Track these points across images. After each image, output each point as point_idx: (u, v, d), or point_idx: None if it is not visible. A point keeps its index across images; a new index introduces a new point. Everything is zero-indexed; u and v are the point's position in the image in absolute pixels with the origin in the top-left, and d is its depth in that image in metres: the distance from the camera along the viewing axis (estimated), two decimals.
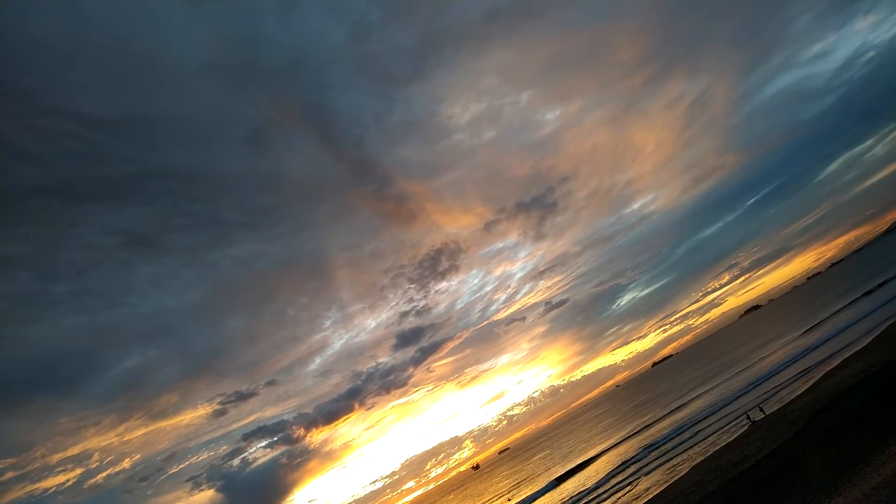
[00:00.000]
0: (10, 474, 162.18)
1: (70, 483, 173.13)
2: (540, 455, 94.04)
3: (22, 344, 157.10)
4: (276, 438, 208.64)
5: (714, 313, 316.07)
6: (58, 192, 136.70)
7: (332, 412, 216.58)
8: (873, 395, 20.80)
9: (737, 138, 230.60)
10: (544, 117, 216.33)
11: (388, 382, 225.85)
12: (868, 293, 62.29)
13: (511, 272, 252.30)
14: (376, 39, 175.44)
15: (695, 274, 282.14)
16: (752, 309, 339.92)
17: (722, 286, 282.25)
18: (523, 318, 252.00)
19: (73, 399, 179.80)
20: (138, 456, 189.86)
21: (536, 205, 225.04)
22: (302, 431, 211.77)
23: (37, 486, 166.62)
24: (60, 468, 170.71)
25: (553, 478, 47.21)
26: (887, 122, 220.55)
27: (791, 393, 31.70)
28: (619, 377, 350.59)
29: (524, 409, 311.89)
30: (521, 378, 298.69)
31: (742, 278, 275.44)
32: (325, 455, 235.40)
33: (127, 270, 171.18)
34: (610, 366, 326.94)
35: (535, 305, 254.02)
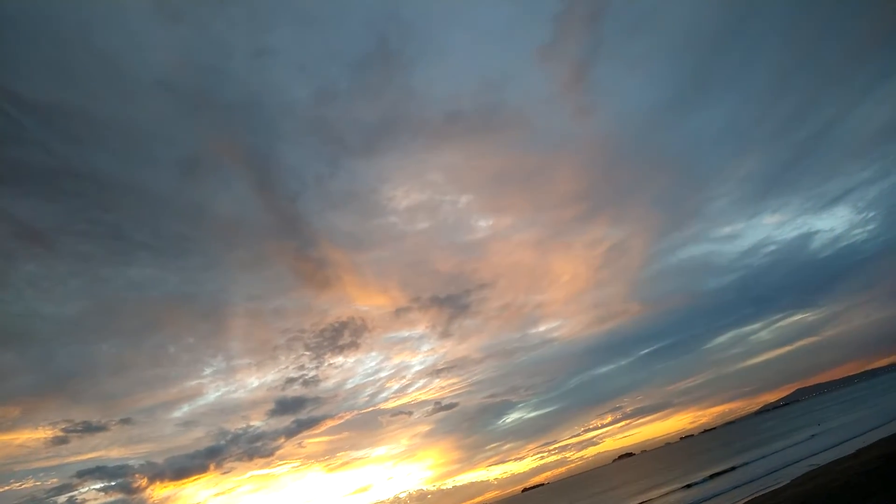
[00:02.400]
0: None
1: None
2: None
3: None
4: (113, 483, 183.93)
5: (591, 451, 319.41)
6: None
7: (184, 468, 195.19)
8: None
9: (643, 290, 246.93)
10: (477, 223, 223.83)
11: (253, 449, 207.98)
12: (731, 469, 64.27)
13: (410, 363, 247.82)
14: (338, 107, 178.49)
15: (581, 408, 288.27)
16: (626, 455, 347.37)
17: (603, 426, 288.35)
18: (410, 413, 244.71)
19: None
20: None
21: (450, 303, 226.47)
22: (144, 482, 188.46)
23: None
24: None
25: None
26: (775, 312, 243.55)
27: None
28: (489, 495, 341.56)
29: None
30: (393, 474, 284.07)
31: (623, 423, 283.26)
32: None
33: (7, 263, 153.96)
34: (482, 482, 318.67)
35: (424, 402, 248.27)
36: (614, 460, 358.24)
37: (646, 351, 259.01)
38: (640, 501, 57.98)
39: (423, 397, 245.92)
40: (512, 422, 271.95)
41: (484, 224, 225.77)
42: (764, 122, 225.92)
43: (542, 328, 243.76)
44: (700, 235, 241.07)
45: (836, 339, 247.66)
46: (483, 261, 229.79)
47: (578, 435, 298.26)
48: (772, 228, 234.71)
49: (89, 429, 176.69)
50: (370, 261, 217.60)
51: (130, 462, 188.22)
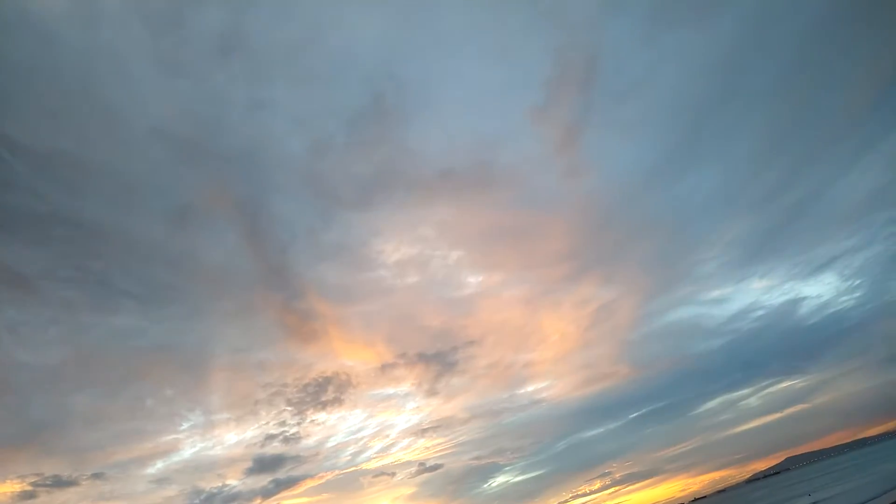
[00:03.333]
0: None
1: None
2: None
3: None
4: None
5: None
6: None
7: None
8: None
9: (632, 352, 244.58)
10: (467, 279, 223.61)
11: None
12: None
13: (394, 422, 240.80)
14: (334, 161, 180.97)
15: (569, 472, 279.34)
16: None
17: (592, 492, 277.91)
18: (393, 474, 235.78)
19: None
20: None
21: (438, 360, 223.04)
22: None
23: None
24: None
25: None
26: (764, 377, 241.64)
27: None
28: None
29: None
30: None
31: (612, 489, 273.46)
32: None
33: None
34: None
35: (408, 463, 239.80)
36: None
37: (635, 414, 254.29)
38: None
39: (407, 458, 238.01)
40: (498, 485, 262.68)
41: (474, 280, 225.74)
42: (751, 187, 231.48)
43: (530, 388, 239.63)
44: (689, 298, 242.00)
45: (825, 406, 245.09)
46: (472, 317, 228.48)
47: (566, 501, 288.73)
48: (760, 293, 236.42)
49: (59, 483, 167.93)
50: (358, 314, 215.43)
51: None
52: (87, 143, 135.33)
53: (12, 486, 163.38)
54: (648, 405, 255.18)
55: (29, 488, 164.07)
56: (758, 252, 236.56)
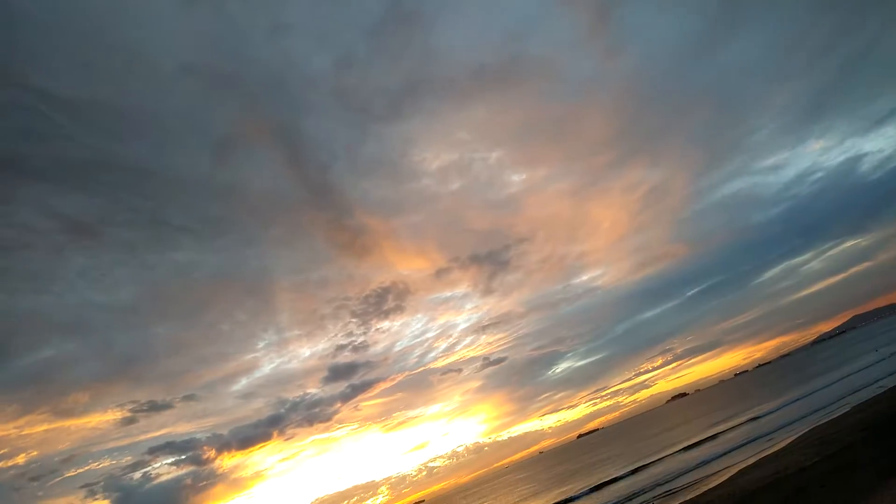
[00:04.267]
0: None
1: None
2: None
3: None
4: (184, 457, 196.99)
5: (643, 394, 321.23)
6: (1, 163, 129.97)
7: (248, 437, 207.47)
8: (783, 499, 21.25)
9: (686, 230, 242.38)
10: (510, 178, 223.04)
11: (312, 415, 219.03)
12: (793, 401, 64.63)
13: (455, 322, 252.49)
14: (360, 74, 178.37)
15: (630, 353, 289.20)
16: (679, 396, 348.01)
17: (654, 369, 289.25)
18: (459, 370, 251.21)
19: None
20: (35, 453, 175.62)
21: (490, 260, 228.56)
22: (213, 453, 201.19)
23: None
24: None
25: None
26: (825, 240, 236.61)
27: (707, 484, 32.13)
28: (545, 444, 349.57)
29: (446, 463, 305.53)
30: (448, 430, 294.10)
31: (674, 364, 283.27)
32: (232, 482, 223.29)
33: (58, 257, 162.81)
34: (537, 431, 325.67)
35: (473, 359, 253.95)
36: (668, 401, 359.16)
37: (693, 291, 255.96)
38: (708, 435, 59.14)
39: (471, 354, 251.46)
40: (561, 371, 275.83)
41: (517, 178, 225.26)
42: (801, 46, 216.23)
43: (584, 277, 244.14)
44: (742, 169, 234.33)
45: (890, 262, 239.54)
46: (519, 215, 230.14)
47: (630, 379, 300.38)
48: (817, 155, 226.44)
49: (155, 408, 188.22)
50: (406, 225, 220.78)
51: (197, 436, 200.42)
52: (121, 89, 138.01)
53: (113, 415, 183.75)
54: (706, 280, 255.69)
55: (129, 414, 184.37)
56: (812, 113, 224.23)
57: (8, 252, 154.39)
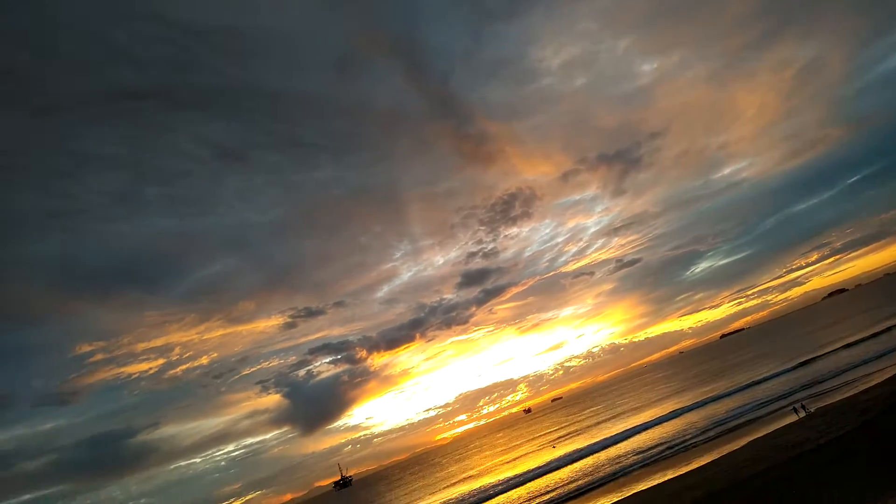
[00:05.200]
0: (99, 356, 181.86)
1: (152, 371, 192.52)
2: (592, 409, 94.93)
3: (114, 239, 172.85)
4: (339, 356, 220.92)
5: (795, 292, 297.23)
6: (154, 96, 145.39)
7: (393, 339, 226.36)
8: None
9: (845, 112, 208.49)
10: (640, 68, 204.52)
11: (449, 318, 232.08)
12: None
13: (585, 225, 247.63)
14: None
15: (780, 249, 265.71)
16: (838, 292, 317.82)
17: (808, 265, 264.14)
18: (591, 273, 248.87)
19: (158, 295, 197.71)
20: (215, 355, 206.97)
21: (620, 159, 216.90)
22: (364, 353, 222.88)
23: (123, 370, 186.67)
24: (144, 357, 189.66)
25: (605, 436, 47.85)
26: None
27: (866, 383, 30.33)
28: (684, 344, 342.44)
29: (582, 362, 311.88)
30: (582, 332, 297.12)
31: (831, 259, 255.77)
32: (383, 378, 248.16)
33: (216, 181, 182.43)
34: (676, 331, 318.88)
35: (605, 262, 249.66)
36: (824, 298, 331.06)
37: (853, 179, 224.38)
38: (870, 333, 54.80)
39: (604, 257, 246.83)
40: (701, 271, 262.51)
41: (647, 68, 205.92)
42: None
43: (726, 171, 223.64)
44: None
45: None
46: (651, 108, 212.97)
47: (780, 277, 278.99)
48: None
49: (311, 313, 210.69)
50: (529, 128, 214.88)
51: (350, 338, 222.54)
52: (245, 13, 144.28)
53: (276, 320, 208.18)
54: (869, 166, 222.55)
55: (289, 320, 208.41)
56: None
57: (174, 180, 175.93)
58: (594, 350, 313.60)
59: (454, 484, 59.54)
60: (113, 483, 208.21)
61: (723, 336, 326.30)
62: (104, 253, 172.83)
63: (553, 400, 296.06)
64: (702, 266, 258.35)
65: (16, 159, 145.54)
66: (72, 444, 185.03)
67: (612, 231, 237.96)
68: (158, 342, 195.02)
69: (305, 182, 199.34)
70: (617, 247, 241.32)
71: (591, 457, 39.99)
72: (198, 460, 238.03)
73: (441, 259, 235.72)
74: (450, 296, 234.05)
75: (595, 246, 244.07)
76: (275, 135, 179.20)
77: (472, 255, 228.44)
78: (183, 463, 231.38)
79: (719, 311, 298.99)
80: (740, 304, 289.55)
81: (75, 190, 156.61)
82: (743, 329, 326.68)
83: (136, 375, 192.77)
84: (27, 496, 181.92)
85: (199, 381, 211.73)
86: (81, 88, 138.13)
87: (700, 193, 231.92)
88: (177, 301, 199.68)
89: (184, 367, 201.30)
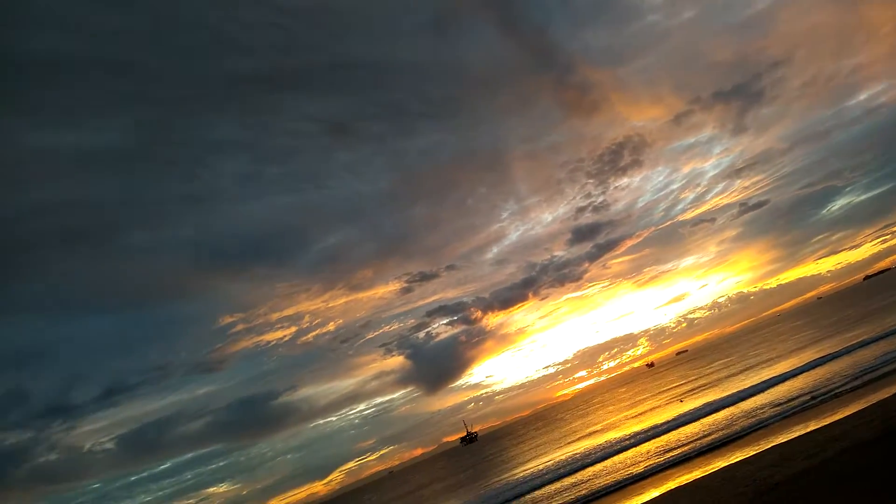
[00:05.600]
0: (240, 327, 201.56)
1: (287, 338, 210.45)
2: (721, 362, 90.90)
3: (243, 219, 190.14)
4: (455, 317, 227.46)
5: None
6: (266, 80, 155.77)
7: (507, 299, 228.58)
8: None
9: None
10: None
11: (562, 275, 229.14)
12: None
13: (702, 169, 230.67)
14: None
15: None
16: None
17: None
18: (712, 220, 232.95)
19: (287, 268, 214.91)
20: (340, 321, 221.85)
21: (738, 94, 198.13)
22: (479, 314, 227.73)
23: (261, 338, 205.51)
24: (279, 325, 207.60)
25: (737, 389, 46.06)
26: None
27: None
28: (823, 289, 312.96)
29: (706, 314, 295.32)
30: (706, 282, 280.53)
31: None
32: (500, 337, 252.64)
33: (326, 156, 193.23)
34: (812, 276, 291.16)
35: (727, 206, 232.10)
36: None
37: None
38: None
39: (725, 201, 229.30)
40: (839, 209, 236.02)
41: None
42: None
43: (861, 97, 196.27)
44: None
45: None
46: (770, 35, 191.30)
47: None
48: None
49: (425, 277, 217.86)
50: (635, 71, 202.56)
51: (464, 299, 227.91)
52: None
53: (394, 286, 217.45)
54: None
55: (405, 285, 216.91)
56: None
57: (288, 157, 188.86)
58: (720, 300, 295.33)
59: (578, 439, 60.21)
60: (261, 441, 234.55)
61: (866, 277, 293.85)
62: (237, 232, 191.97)
63: (677, 353, 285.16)
64: (839, 203, 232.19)
65: (155, 150, 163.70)
66: (223, 407, 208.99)
67: (733, 173, 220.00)
68: (290, 311, 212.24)
69: (409, 150, 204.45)
70: (740, 189, 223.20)
71: (724, 411, 38.76)
72: (334, 419, 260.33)
73: (549, 216, 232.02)
74: (561, 253, 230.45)
75: (715, 190, 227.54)
76: (377, 105, 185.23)
77: (581, 209, 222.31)
78: (321, 421, 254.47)
79: (861, 251, 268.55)
80: (885, 241, 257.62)
81: (205, 175, 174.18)
82: (889, 269, 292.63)
83: (272, 343, 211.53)
84: (190, 454, 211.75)
85: (328, 346, 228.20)
86: (200, 79, 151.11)
87: (832, 124, 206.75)
88: (303, 272, 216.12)
89: (314, 333, 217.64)
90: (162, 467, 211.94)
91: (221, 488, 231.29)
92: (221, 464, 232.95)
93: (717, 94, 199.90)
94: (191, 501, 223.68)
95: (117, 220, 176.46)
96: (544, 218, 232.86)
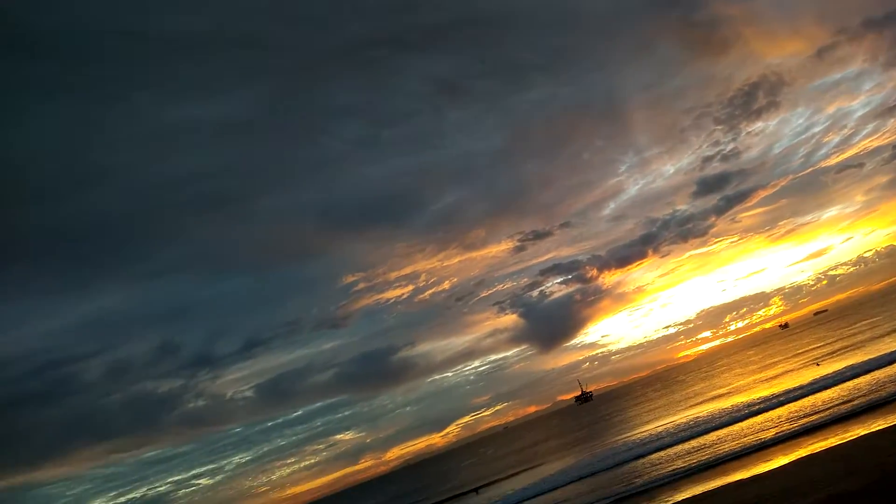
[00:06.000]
0: (361, 285, 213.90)
1: (405, 296, 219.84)
2: (866, 322, 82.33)
3: (362, 181, 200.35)
4: (570, 276, 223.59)
5: None
6: (384, 43, 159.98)
7: (624, 257, 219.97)
8: None
9: None
10: None
11: (685, 231, 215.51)
12: None
13: (849, 109, 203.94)
14: None
15: None
16: None
17: None
18: (860, 165, 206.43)
19: (404, 228, 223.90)
20: (455, 280, 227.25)
21: (892, 21, 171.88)
22: (595, 272, 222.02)
23: (381, 296, 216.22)
24: (397, 284, 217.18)
25: (885, 352, 41.76)
26: None
27: None
28: None
29: (850, 270, 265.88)
30: (851, 235, 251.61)
31: None
32: (617, 296, 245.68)
33: (439, 116, 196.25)
34: None
35: (878, 150, 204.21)
36: None
37: None
38: None
39: (876, 144, 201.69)
40: None
41: None
42: None
43: None
44: None
45: None
46: None
47: None
48: None
49: (538, 236, 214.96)
50: (772, 2, 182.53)
51: (579, 257, 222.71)
52: None
53: (506, 245, 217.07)
54: None
55: (518, 243, 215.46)
56: None
57: (403, 120, 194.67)
58: (866, 255, 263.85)
59: (701, 402, 57.97)
60: (383, 393, 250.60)
61: None
62: (356, 194, 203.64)
63: (815, 313, 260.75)
64: None
65: (280, 119, 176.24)
66: (347, 360, 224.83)
67: (885, 112, 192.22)
68: (407, 270, 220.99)
69: (521, 105, 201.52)
70: (893, 130, 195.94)
71: (867, 375, 35.44)
72: (450, 374, 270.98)
73: (671, 168, 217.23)
74: (684, 207, 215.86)
75: (864, 132, 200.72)
76: (487, 62, 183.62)
77: (707, 159, 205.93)
78: (437, 376, 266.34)
79: None
80: None
81: (326, 140, 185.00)
82: None
83: (392, 300, 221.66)
84: (319, 403, 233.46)
85: (444, 303, 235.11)
86: (320, 47, 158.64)
87: None
88: (419, 232, 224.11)
89: (430, 291, 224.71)
90: (295, 414, 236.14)
91: (347, 436, 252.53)
92: (347, 413, 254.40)
93: (868, 21, 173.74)
94: (321, 446, 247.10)
95: (250, 186, 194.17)
96: (666, 170, 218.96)
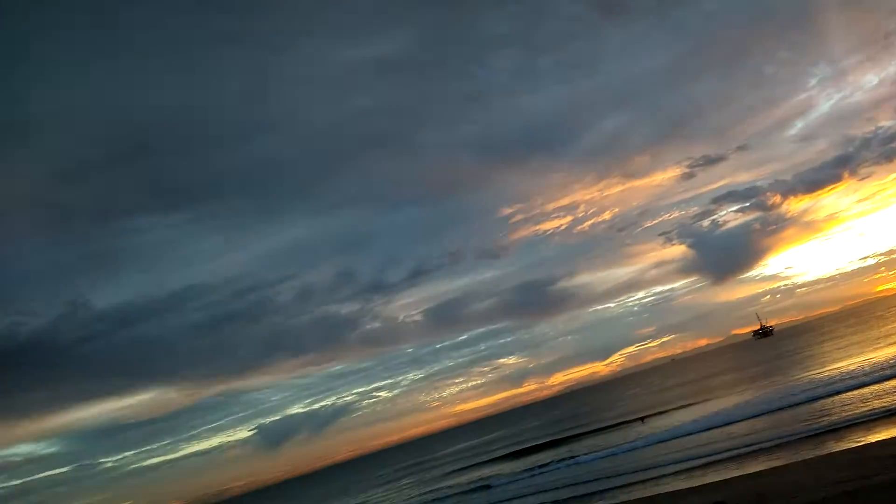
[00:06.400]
0: (519, 217, 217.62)
1: (563, 227, 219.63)
2: None
3: (518, 112, 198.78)
4: (747, 204, 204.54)
5: None
6: None
7: (813, 181, 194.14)
8: None
9: None
10: None
11: (890, 150, 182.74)
12: None
13: None
14: None
15: None
16: None
17: None
18: None
19: (561, 158, 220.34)
20: (616, 209, 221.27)
21: None
22: (777, 199, 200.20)
23: (538, 227, 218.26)
24: (555, 215, 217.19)
25: None
26: None
27: None
28: None
29: None
30: None
31: None
32: (804, 225, 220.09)
33: (599, 39, 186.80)
34: None
35: None
36: None
37: None
38: None
39: None
40: None
41: None
42: None
43: None
44: None
45: None
46: None
47: None
48: None
49: (710, 161, 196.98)
50: None
51: (758, 183, 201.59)
52: None
53: (673, 172, 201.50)
54: None
55: (686, 170, 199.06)
56: None
57: (559, 45, 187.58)
58: None
59: None
60: (543, 322, 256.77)
61: None
62: (513, 125, 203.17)
63: None
64: None
65: (436, 54, 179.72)
66: (507, 289, 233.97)
67: None
68: (565, 201, 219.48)
69: (690, 17, 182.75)
70: None
71: None
72: (612, 305, 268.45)
73: (874, 78, 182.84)
74: (889, 123, 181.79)
75: None
76: None
77: None
78: (599, 307, 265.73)
79: None
80: None
81: (481, 73, 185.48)
82: None
83: (549, 231, 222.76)
84: (482, 329, 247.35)
85: (604, 234, 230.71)
86: None
87: None
88: (577, 162, 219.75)
89: (589, 222, 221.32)
90: (461, 338, 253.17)
91: (511, 360, 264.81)
92: (509, 339, 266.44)
93: None
94: (486, 368, 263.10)
95: (410, 122, 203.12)
96: (867, 81, 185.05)
